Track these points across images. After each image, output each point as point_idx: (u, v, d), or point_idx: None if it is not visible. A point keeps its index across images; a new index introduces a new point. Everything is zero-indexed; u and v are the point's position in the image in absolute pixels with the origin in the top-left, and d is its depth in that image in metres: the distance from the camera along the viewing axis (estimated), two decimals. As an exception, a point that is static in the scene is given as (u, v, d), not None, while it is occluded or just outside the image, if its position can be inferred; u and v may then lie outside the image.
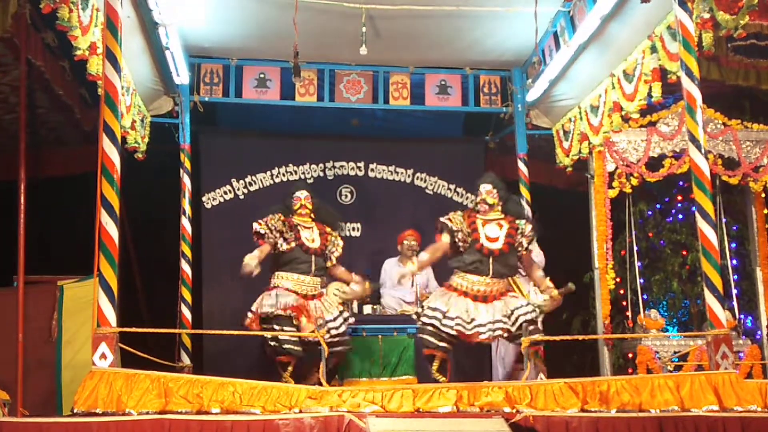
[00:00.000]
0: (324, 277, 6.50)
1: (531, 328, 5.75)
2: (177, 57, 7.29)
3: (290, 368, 6.09)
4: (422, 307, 6.10)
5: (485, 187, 6.14)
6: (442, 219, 6.15)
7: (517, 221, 6.10)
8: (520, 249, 6.04)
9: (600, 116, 7.46)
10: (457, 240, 6.02)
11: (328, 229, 6.58)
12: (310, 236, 6.43)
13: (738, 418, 4.62)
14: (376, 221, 9.03)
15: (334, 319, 6.27)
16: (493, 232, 6.03)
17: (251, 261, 6.10)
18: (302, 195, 6.53)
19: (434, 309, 5.91)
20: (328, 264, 6.49)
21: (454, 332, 5.78)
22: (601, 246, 8.00)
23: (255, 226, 6.32)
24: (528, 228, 6.08)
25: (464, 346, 6.04)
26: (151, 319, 8.73)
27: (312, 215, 6.52)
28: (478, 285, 5.91)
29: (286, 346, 6.05)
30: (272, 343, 6.09)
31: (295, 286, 6.28)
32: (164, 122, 8.21)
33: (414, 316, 6.20)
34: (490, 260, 5.94)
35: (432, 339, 5.84)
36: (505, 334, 5.83)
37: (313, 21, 6.87)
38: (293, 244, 6.31)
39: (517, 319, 5.79)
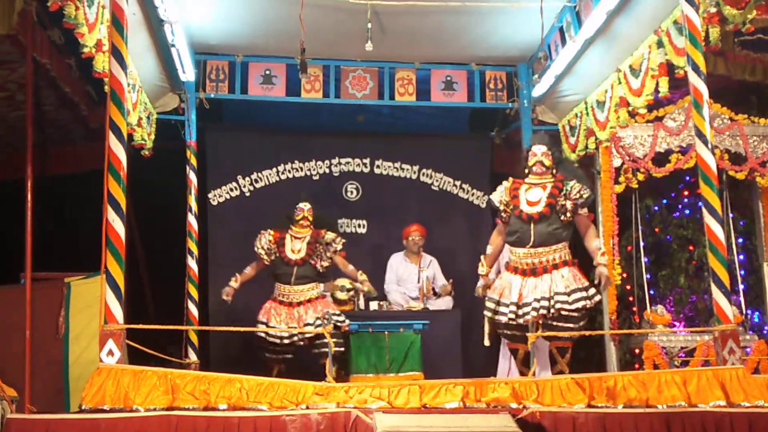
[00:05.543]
0: (315, 283, 6.90)
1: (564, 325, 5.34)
2: (183, 54, 7.31)
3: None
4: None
5: (540, 149, 5.69)
6: (490, 197, 5.83)
7: (564, 182, 5.58)
8: (564, 213, 5.48)
9: (606, 111, 7.43)
10: (504, 216, 5.65)
11: (323, 232, 6.93)
12: (297, 247, 6.87)
13: (745, 413, 4.61)
14: (382, 218, 9.01)
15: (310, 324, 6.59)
16: (534, 196, 5.55)
17: (233, 284, 6.96)
18: (305, 207, 7.02)
19: (489, 299, 5.58)
20: (320, 267, 6.87)
21: (507, 321, 5.46)
22: (607, 242, 7.97)
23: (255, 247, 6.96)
24: (575, 190, 5.52)
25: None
26: (158, 315, 8.74)
27: (311, 226, 6.96)
28: (525, 258, 5.47)
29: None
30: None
31: (279, 295, 6.85)
32: (170, 119, 8.21)
33: (487, 312, 5.72)
34: (531, 226, 5.46)
35: (501, 332, 5.56)
36: (540, 321, 5.44)
37: (318, 17, 6.87)
38: (273, 257, 6.88)
39: (553, 305, 5.32)
